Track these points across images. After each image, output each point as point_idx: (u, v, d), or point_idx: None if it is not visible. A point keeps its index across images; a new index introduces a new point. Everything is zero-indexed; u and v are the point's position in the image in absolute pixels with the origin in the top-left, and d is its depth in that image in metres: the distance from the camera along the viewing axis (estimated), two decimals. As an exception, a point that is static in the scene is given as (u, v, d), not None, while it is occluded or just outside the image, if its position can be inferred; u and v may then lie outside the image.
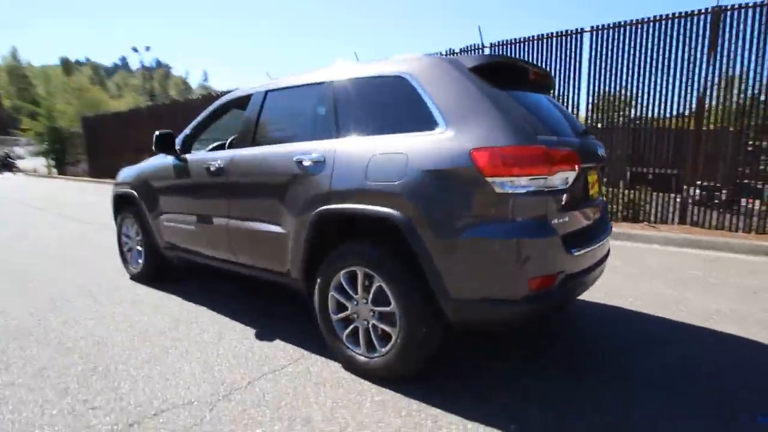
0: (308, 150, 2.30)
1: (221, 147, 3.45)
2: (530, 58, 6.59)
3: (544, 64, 6.50)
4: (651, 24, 5.52)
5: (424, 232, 1.84)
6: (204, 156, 3.07)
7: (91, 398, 2.00)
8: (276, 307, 3.17)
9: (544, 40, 6.48)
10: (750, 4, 4.90)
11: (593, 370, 2.23)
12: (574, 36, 6.21)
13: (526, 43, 6.67)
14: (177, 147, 3.24)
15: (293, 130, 2.64)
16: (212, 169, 2.85)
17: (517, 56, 6.78)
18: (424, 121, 1.95)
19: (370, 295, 2.09)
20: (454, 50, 7.36)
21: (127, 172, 3.90)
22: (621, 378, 2.15)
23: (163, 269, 3.81)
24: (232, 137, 3.49)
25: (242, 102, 2.98)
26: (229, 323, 2.88)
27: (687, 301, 3.25)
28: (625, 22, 5.70)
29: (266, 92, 2.75)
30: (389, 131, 2.06)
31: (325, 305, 2.27)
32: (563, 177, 1.83)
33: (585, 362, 2.35)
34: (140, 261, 3.83)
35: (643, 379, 2.13)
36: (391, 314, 2.01)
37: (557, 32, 6.33)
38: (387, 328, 2.04)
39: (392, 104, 2.13)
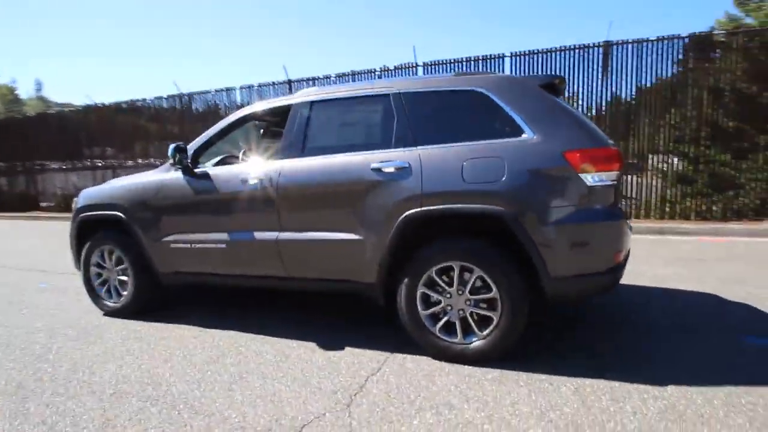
0: (387, 158, 2.42)
1: (226, 161, 3.27)
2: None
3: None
4: (559, 52, 6.74)
5: (528, 222, 2.14)
6: (232, 169, 2.91)
7: (206, 433, 1.83)
8: (312, 319, 3.12)
9: (472, 62, 7.37)
10: (629, 40, 6.39)
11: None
12: (497, 59, 7.21)
13: (457, 63, 7.49)
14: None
15: (356, 139, 2.71)
16: (253, 181, 2.74)
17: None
18: (509, 129, 2.27)
19: (468, 286, 2.30)
20: (388, 67, 7.86)
21: (102, 194, 3.39)
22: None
23: (154, 300, 3.40)
24: (242, 150, 3.35)
25: (275, 113, 2.92)
26: (279, 341, 2.76)
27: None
28: (539, 50, 6.85)
29: (312, 102, 2.76)
30: (474, 138, 2.33)
31: (412, 303, 2.40)
32: (620, 172, 2.33)
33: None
34: (124, 293, 3.35)
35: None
36: (492, 300, 2.26)
37: (483, 55, 7.26)
38: (488, 313, 2.28)
39: (472, 115, 2.39)
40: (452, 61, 7.48)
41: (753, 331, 2.69)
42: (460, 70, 7.44)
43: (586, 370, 2.22)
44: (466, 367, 2.31)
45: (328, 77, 8.54)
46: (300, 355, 2.56)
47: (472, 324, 2.32)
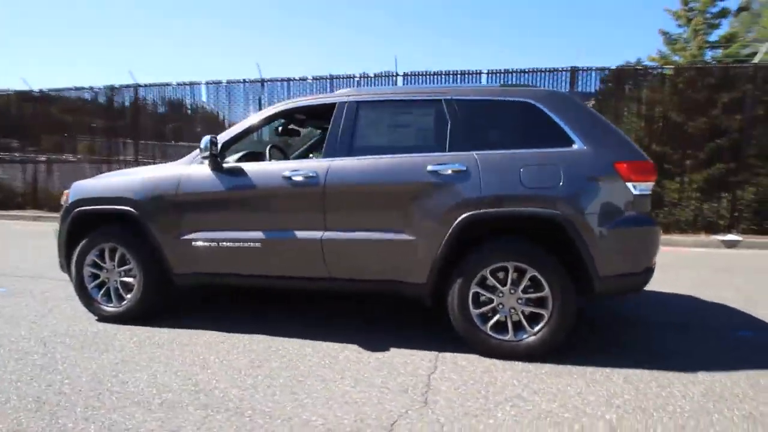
0: (444, 161, 2.50)
1: (251, 156, 3.15)
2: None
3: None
4: (531, 74, 7.27)
5: (581, 226, 2.32)
6: (271, 165, 2.82)
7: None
8: (331, 319, 3.08)
9: (450, 76, 7.69)
10: (593, 68, 7.08)
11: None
12: (474, 75, 7.60)
13: (435, 76, 7.79)
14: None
15: (407, 141, 2.75)
16: (298, 179, 2.66)
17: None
18: (561, 139, 2.45)
19: (521, 285, 2.43)
20: (368, 74, 7.95)
21: (105, 187, 3.10)
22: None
23: (159, 304, 3.15)
24: (269, 146, 3.24)
25: (315, 111, 2.88)
26: (317, 343, 2.69)
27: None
28: (513, 69, 7.33)
29: (359, 102, 2.76)
30: (526, 146, 2.48)
31: (465, 302, 2.47)
32: (654, 183, 2.60)
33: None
34: (127, 296, 3.06)
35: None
36: (543, 298, 2.40)
37: (462, 70, 7.63)
38: (539, 311, 2.41)
39: (523, 124, 2.55)
40: (432, 73, 7.77)
41: (740, 327, 3.10)
42: (441, 82, 7.74)
43: (624, 361, 2.43)
44: (517, 363, 2.42)
45: (304, 79, 8.42)
46: (348, 356, 2.52)
47: (524, 322, 2.44)
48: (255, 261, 2.79)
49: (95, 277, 3.11)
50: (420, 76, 7.81)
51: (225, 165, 2.85)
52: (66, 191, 3.23)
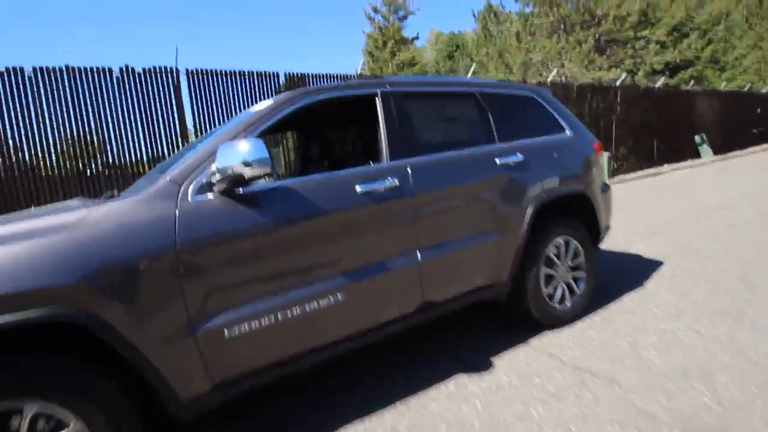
0: (506, 152, 2.48)
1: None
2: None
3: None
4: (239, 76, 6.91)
5: (593, 195, 2.87)
6: (328, 180, 1.93)
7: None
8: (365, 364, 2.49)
9: (246, 77, 6.90)
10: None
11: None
12: (273, 77, 7.10)
13: (229, 76, 6.78)
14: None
15: (462, 134, 2.47)
16: (381, 190, 1.98)
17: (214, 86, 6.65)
18: (558, 128, 2.91)
19: (569, 255, 2.75)
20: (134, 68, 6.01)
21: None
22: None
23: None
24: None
25: (341, 104, 2.18)
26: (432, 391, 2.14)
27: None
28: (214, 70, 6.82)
29: (405, 93, 2.28)
30: (542, 134, 2.79)
31: (538, 285, 2.58)
32: None
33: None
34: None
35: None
36: (580, 262, 2.81)
37: (258, 72, 6.95)
38: (579, 274, 2.81)
39: (533, 115, 2.83)
40: (226, 72, 6.67)
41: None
42: (234, 81, 6.70)
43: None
44: (589, 332, 2.72)
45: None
46: (483, 386, 2.15)
47: (574, 286, 2.79)
48: (337, 322, 1.89)
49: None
50: (207, 75, 6.57)
51: (241, 192, 1.74)
52: None
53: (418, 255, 2.12)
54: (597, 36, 17.02)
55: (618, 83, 13.01)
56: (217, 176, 1.64)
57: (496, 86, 2.78)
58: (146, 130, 6.14)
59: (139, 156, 6.11)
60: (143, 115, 6.11)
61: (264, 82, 7.05)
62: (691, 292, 3.04)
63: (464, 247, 2.28)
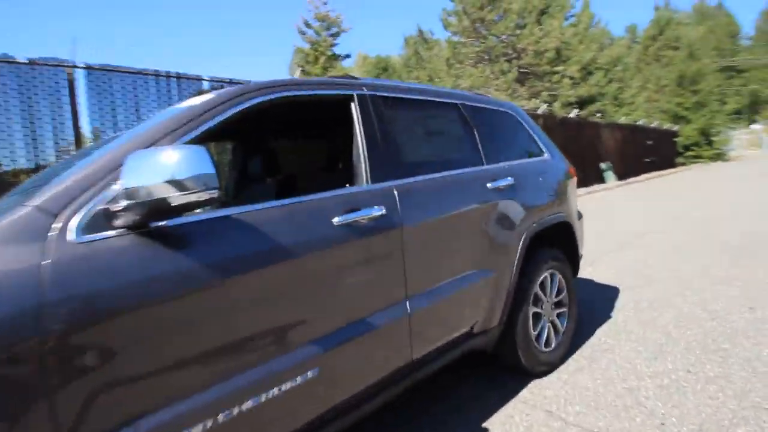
0: (496, 175, 2.13)
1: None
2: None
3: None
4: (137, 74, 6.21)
5: (573, 222, 2.64)
6: (292, 209, 1.37)
7: None
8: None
9: (166, 78, 5.94)
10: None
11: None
12: (196, 81, 6.23)
13: (140, 75, 5.78)
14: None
15: (448, 152, 2.05)
16: (364, 221, 1.48)
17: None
18: (538, 150, 2.66)
19: (554, 290, 2.46)
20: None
21: None
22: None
23: None
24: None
25: (314, 103, 1.65)
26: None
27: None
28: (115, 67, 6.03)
29: (384, 97, 1.81)
30: (525, 154, 2.51)
31: (527, 326, 2.25)
32: None
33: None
34: None
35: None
36: (562, 301, 2.53)
37: (178, 73, 6.04)
38: (562, 310, 2.52)
39: (514, 135, 2.53)
40: (135, 71, 5.65)
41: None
42: (144, 82, 5.73)
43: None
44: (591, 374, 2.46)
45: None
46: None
47: (558, 325, 2.49)
48: (310, 401, 1.33)
49: None
50: (111, 72, 5.54)
51: (158, 225, 1.14)
52: None
53: (407, 302, 1.65)
54: (518, 68, 18.22)
55: (540, 112, 13.90)
56: (123, 202, 1.03)
57: (475, 99, 2.46)
58: (28, 133, 4.98)
59: (16, 165, 4.91)
60: (25, 115, 4.95)
61: (187, 88, 6.18)
62: (658, 322, 2.94)
63: (459, 289, 1.86)
